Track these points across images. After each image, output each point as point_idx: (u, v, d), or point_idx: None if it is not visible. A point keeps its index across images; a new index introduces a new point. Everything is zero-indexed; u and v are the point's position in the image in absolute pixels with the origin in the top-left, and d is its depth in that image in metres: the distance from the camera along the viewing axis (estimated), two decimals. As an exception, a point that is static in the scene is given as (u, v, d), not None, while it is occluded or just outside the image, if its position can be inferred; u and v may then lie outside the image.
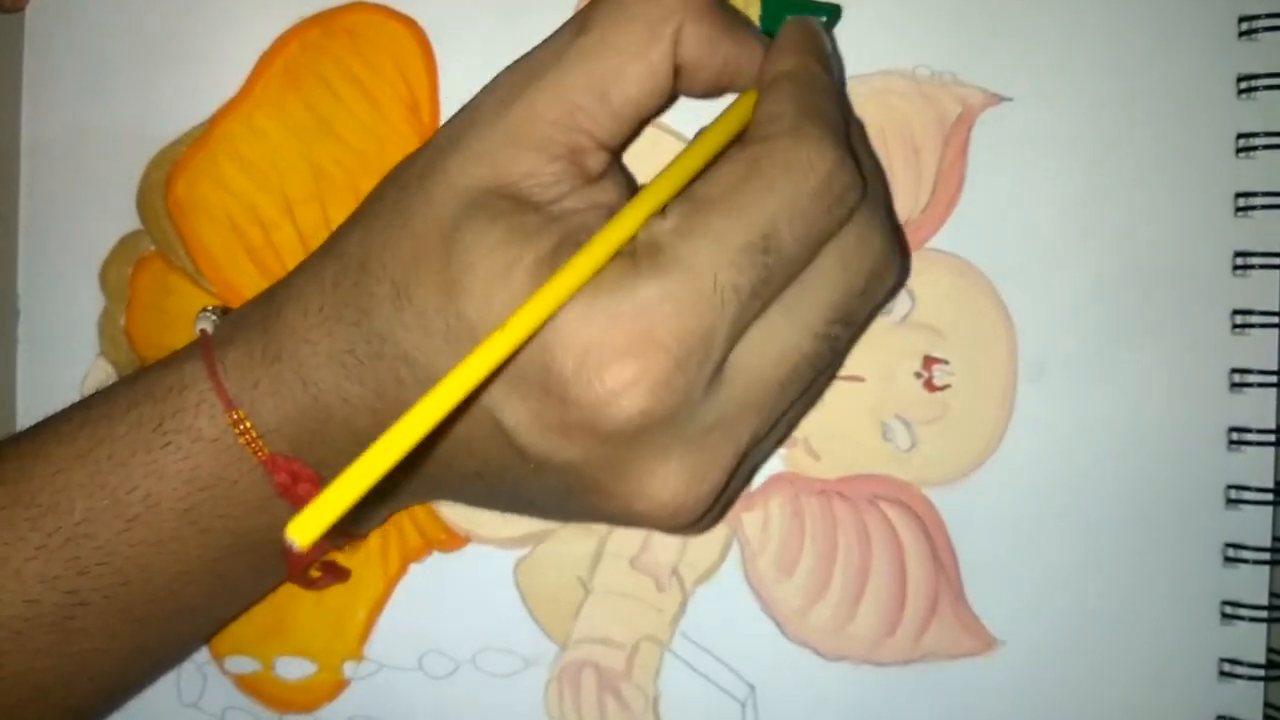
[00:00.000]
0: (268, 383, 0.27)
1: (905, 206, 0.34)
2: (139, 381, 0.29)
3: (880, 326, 0.34)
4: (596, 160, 0.26)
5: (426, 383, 0.25)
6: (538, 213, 0.25)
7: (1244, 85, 0.33)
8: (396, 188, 0.27)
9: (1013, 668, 0.34)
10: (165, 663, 0.34)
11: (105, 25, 0.37)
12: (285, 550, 0.29)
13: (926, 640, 0.34)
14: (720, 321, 0.23)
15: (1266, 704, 0.33)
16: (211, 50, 0.37)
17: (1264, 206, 0.33)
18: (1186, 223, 0.33)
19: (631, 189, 0.29)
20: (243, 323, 0.29)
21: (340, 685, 0.36)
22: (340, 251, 0.27)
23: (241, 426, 0.27)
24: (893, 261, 0.27)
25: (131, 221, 0.37)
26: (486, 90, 0.27)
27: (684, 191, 0.25)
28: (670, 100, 0.27)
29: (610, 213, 0.26)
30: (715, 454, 0.25)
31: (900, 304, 0.34)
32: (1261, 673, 0.33)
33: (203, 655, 0.36)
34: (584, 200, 0.26)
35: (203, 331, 0.29)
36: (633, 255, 0.24)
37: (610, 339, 0.23)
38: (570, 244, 0.24)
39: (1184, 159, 0.34)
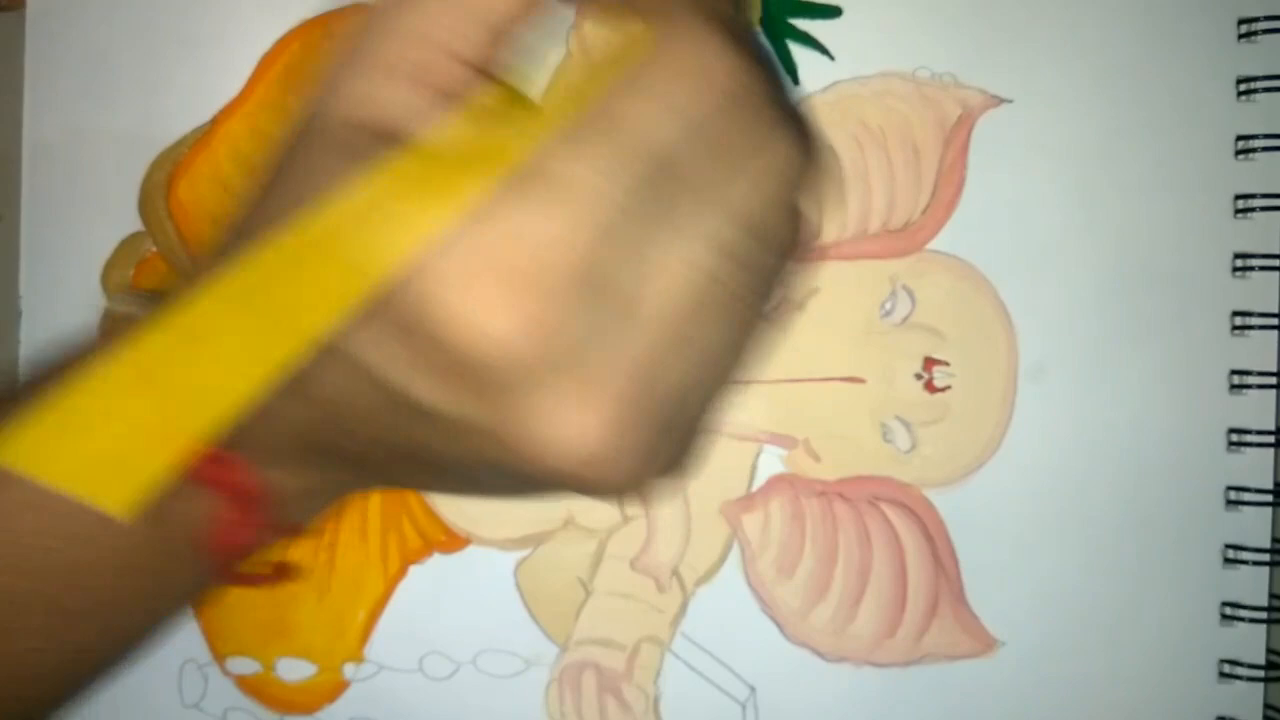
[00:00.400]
0: None
1: (906, 208, 0.34)
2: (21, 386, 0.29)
3: (881, 328, 0.34)
4: (456, 75, 0.25)
5: None
6: (400, 143, 0.23)
7: (1243, 87, 0.34)
8: (277, 156, 0.26)
9: (1013, 668, 0.34)
10: (112, 660, 0.34)
11: (107, 26, 0.38)
12: (203, 546, 0.28)
13: (927, 641, 0.34)
14: (603, 244, 0.22)
15: (1266, 705, 0.33)
16: (213, 52, 0.37)
17: (1263, 209, 0.33)
18: (1186, 224, 0.34)
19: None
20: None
21: (341, 686, 0.36)
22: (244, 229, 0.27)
23: None
24: (798, 157, 0.25)
25: (133, 223, 0.38)
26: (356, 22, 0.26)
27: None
28: (533, 8, 0.26)
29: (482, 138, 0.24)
30: (618, 389, 0.23)
31: (901, 305, 0.34)
32: (1261, 674, 0.33)
33: (204, 657, 0.36)
34: (453, 128, 0.24)
35: (116, 315, 0.29)
36: (505, 179, 0.22)
37: (479, 270, 0.21)
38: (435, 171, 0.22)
39: (1183, 161, 0.34)
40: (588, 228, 0.22)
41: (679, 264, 0.23)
